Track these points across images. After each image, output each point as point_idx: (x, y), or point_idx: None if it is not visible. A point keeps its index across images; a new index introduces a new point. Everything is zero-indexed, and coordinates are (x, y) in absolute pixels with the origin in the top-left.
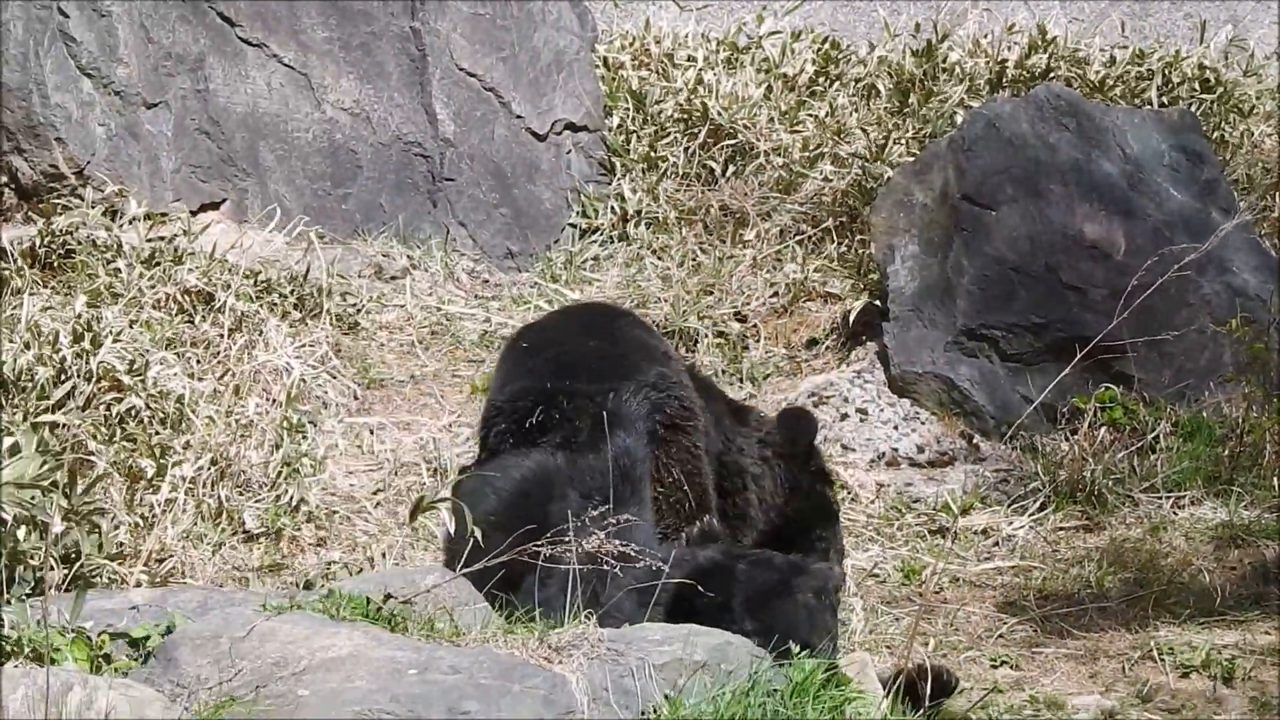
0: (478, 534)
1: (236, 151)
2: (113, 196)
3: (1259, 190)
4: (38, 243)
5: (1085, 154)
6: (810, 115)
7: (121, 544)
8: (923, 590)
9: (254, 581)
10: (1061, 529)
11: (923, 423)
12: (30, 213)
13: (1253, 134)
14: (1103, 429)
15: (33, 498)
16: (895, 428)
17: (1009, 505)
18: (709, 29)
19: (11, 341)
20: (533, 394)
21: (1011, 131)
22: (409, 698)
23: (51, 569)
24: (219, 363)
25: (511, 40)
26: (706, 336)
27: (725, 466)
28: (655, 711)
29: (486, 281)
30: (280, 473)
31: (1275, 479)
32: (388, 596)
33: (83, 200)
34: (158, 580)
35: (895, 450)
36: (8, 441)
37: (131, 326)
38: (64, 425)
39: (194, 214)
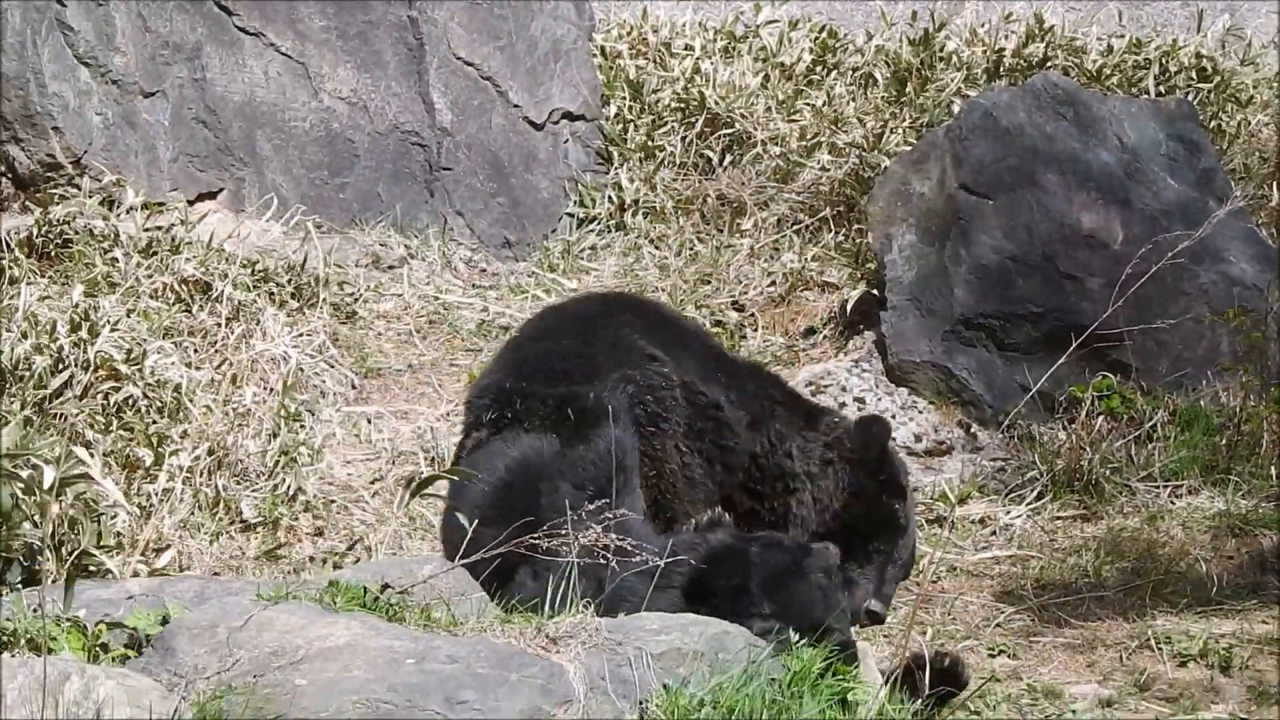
0: (464, 522)
1: (234, 141)
2: (110, 186)
3: (1256, 179)
4: (35, 232)
5: (1082, 143)
6: (807, 104)
7: (119, 533)
8: (920, 579)
9: (251, 571)
10: (1059, 518)
11: (920, 412)
12: (27, 202)
13: (1249, 123)
14: (1100, 418)
15: (16, 464)
16: (893, 417)
17: (1006, 494)
18: (706, 18)
19: (9, 331)
20: (491, 392)
21: (1009, 121)
22: (406, 687)
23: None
24: (216, 352)
25: (509, 29)
26: (704, 326)
27: (761, 469)
28: (653, 701)
29: (484, 271)
30: (278, 462)
31: (1272, 468)
32: (385, 586)
33: (80, 190)
34: (155, 570)
35: (892, 439)
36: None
37: (129, 316)
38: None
39: (191, 203)
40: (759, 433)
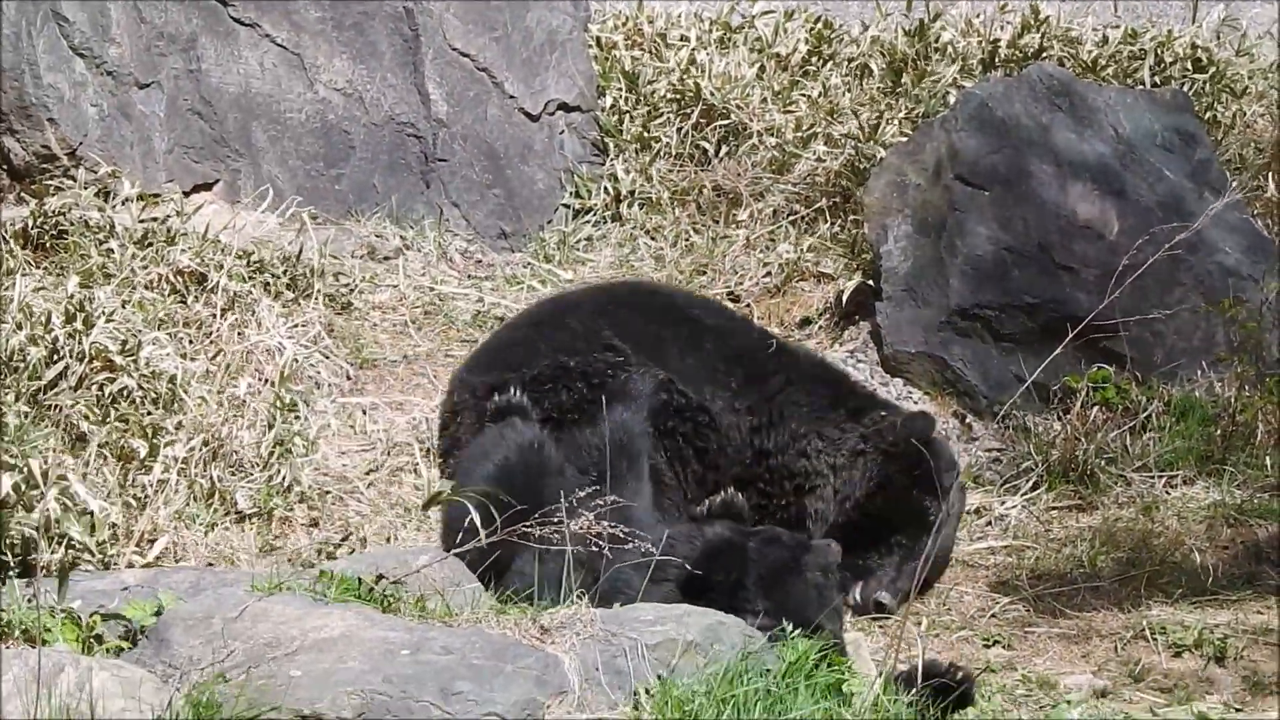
0: (475, 516)
1: (229, 132)
2: (105, 177)
3: (1251, 170)
4: (30, 224)
5: (1078, 134)
6: (803, 95)
7: (114, 525)
8: (916, 570)
9: (246, 562)
10: (1054, 509)
11: (915, 402)
12: (22, 194)
13: (1245, 114)
14: (1095, 408)
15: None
16: None
17: (1002, 485)
18: (701, 9)
19: (4, 322)
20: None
21: (1004, 112)
22: (401, 678)
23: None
24: (211, 343)
25: (504, 20)
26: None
27: (771, 470)
28: (647, 691)
29: (480, 262)
30: (272, 453)
31: (1268, 458)
32: (379, 577)
33: (75, 181)
34: (149, 561)
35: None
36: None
37: (124, 307)
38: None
39: (187, 194)
40: (765, 436)
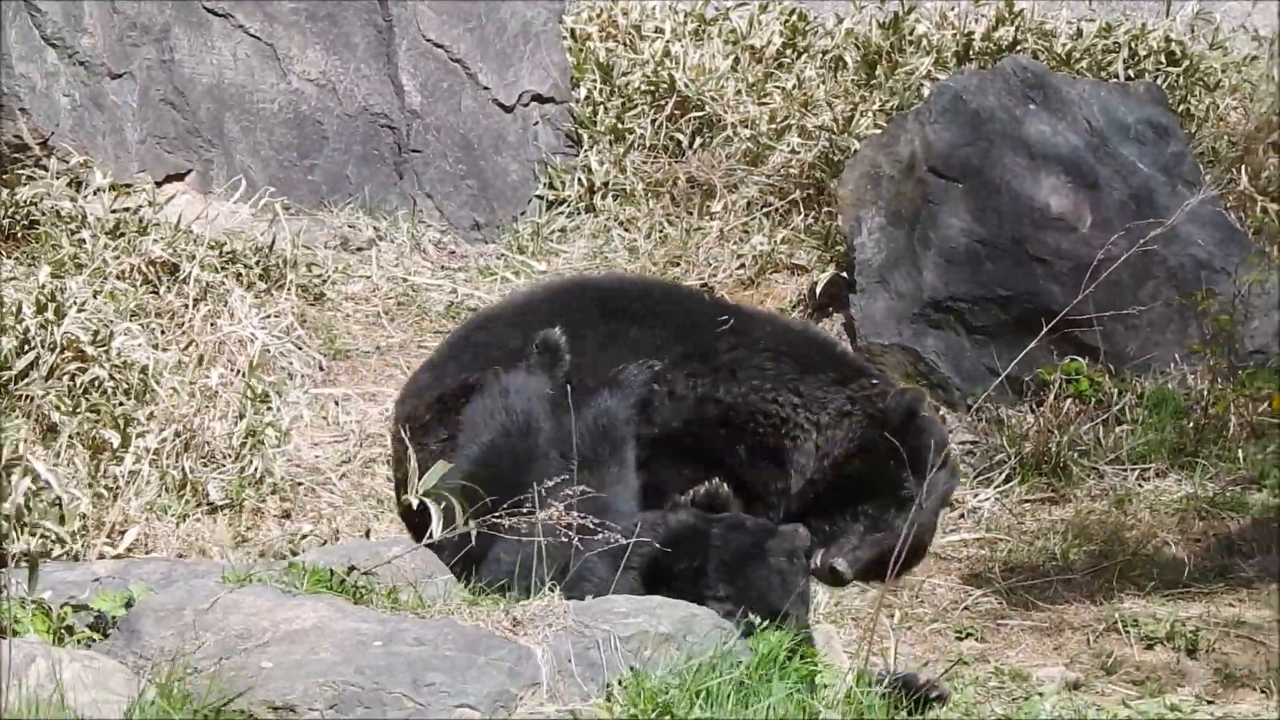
0: (456, 509)
1: (202, 122)
2: (77, 167)
3: (1224, 163)
4: (1, 214)
5: (1051, 126)
6: (777, 87)
7: (84, 515)
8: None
9: (217, 553)
10: (1027, 501)
11: None
12: None
13: (1218, 107)
14: (1068, 401)
15: None
16: None
17: (975, 477)
18: (676, 1)
19: None
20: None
21: (978, 104)
22: (373, 669)
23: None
24: (183, 333)
25: (479, 12)
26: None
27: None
28: (620, 683)
29: (453, 253)
30: (244, 444)
31: (1240, 451)
32: (351, 569)
33: (47, 171)
34: (120, 552)
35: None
36: None
37: (96, 297)
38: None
39: (159, 185)
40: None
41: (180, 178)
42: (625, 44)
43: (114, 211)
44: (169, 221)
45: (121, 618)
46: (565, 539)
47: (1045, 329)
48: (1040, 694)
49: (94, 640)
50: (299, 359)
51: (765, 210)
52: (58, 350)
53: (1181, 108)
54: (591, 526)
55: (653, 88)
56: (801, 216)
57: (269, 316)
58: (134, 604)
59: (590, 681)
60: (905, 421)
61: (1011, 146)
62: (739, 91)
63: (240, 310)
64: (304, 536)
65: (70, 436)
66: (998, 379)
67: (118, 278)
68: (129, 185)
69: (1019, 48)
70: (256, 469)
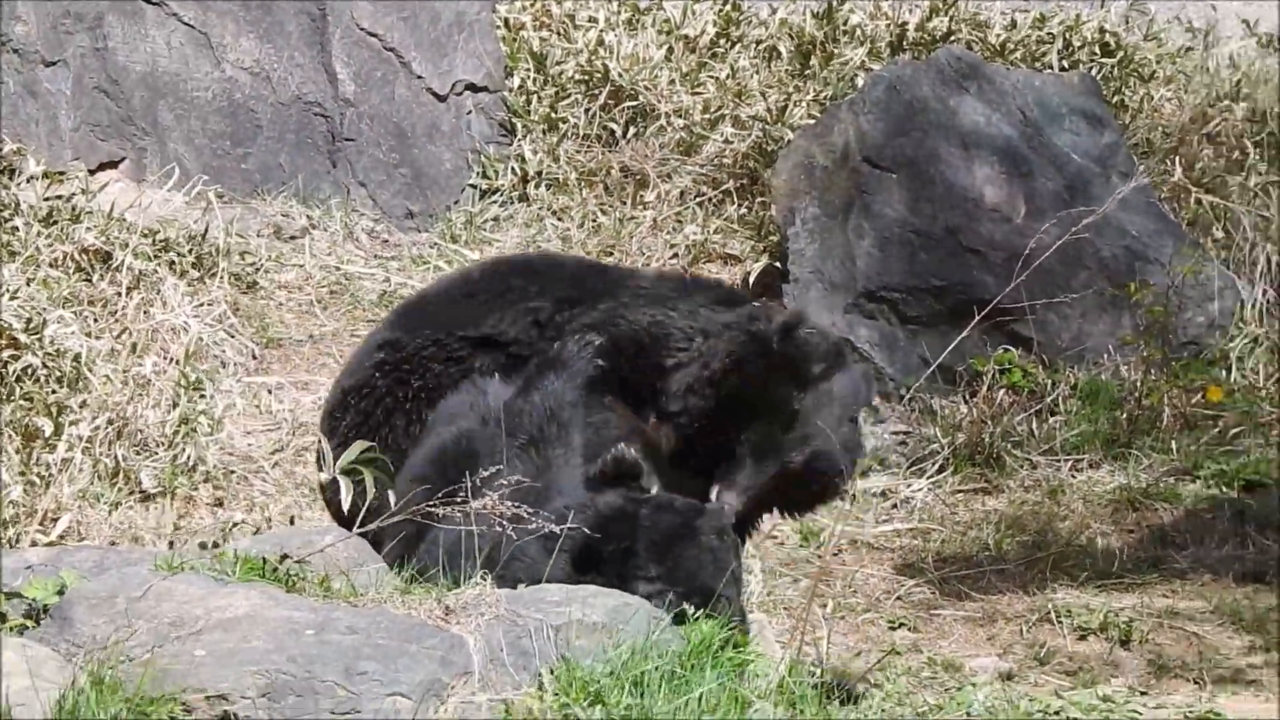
0: (391, 495)
1: (135, 110)
2: (10, 155)
3: (1158, 154)
4: None
5: (986, 117)
6: (711, 77)
7: (16, 503)
8: (821, 552)
9: (150, 541)
10: (960, 492)
11: None
12: None
13: (1152, 98)
14: (1001, 392)
15: None
16: None
17: (908, 468)
18: None
19: None
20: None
21: (912, 94)
22: (306, 658)
23: None
24: (116, 321)
25: (412, 1)
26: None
27: (616, 332)
28: (552, 672)
29: (386, 241)
30: (177, 432)
31: (1173, 442)
32: (284, 557)
33: None
34: (53, 540)
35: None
36: None
37: (29, 285)
38: None
39: (92, 173)
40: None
41: (114, 166)
42: (559, 33)
43: (47, 199)
44: (102, 209)
45: (54, 605)
46: (499, 525)
47: (978, 319)
48: (973, 684)
49: (26, 628)
50: (232, 347)
51: (699, 200)
52: None
53: (1116, 99)
54: (524, 515)
55: (586, 77)
56: (735, 206)
57: (202, 305)
58: (66, 592)
59: (522, 670)
60: (783, 337)
61: (945, 137)
62: (673, 81)
63: (173, 299)
64: (235, 525)
65: (2, 424)
66: (930, 369)
67: (51, 266)
68: (62, 173)
69: (953, 38)
70: (189, 457)
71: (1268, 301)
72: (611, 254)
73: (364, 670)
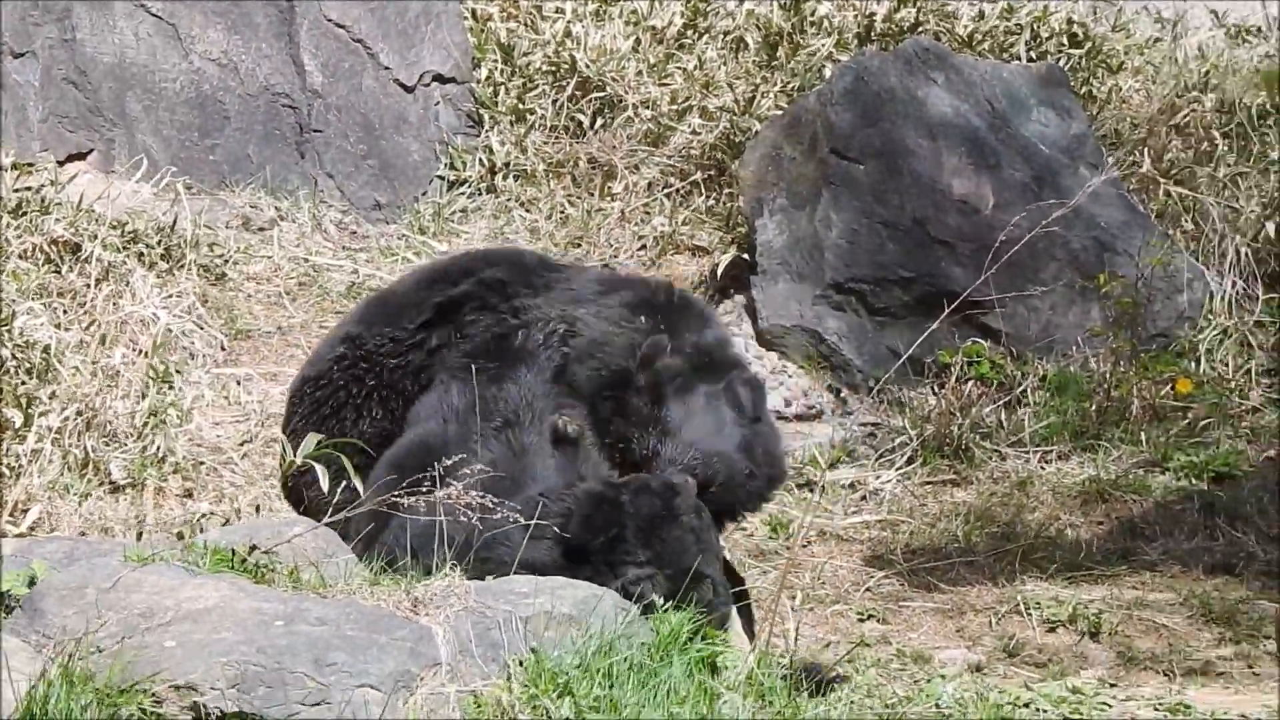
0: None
1: (104, 101)
2: None
3: (1127, 145)
4: None
5: (953, 108)
6: (679, 68)
7: None
8: (790, 544)
9: (120, 532)
10: (929, 483)
11: (790, 376)
12: None
13: (1121, 89)
14: (970, 383)
15: None
16: (763, 382)
17: (876, 459)
18: None
19: None
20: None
21: (880, 85)
22: (275, 649)
23: None
24: (86, 313)
25: None
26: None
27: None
28: (520, 663)
29: (354, 233)
30: (146, 423)
31: (1142, 434)
32: (253, 548)
33: None
34: (23, 531)
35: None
36: None
37: None
38: None
39: (61, 164)
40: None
41: (82, 157)
42: (526, 24)
43: (16, 190)
44: (71, 201)
45: (24, 596)
46: (468, 514)
47: (947, 311)
48: (942, 676)
49: None
50: (201, 339)
51: (666, 191)
52: None
53: (1084, 90)
54: (491, 505)
55: (554, 68)
56: (703, 198)
57: (171, 296)
58: (37, 583)
59: (491, 662)
60: (644, 362)
61: (913, 128)
62: (640, 72)
63: (142, 290)
64: (204, 516)
65: None
66: (899, 361)
67: (20, 257)
68: (31, 164)
69: (921, 29)
70: (158, 448)
71: (1237, 293)
72: (580, 245)
73: (333, 661)
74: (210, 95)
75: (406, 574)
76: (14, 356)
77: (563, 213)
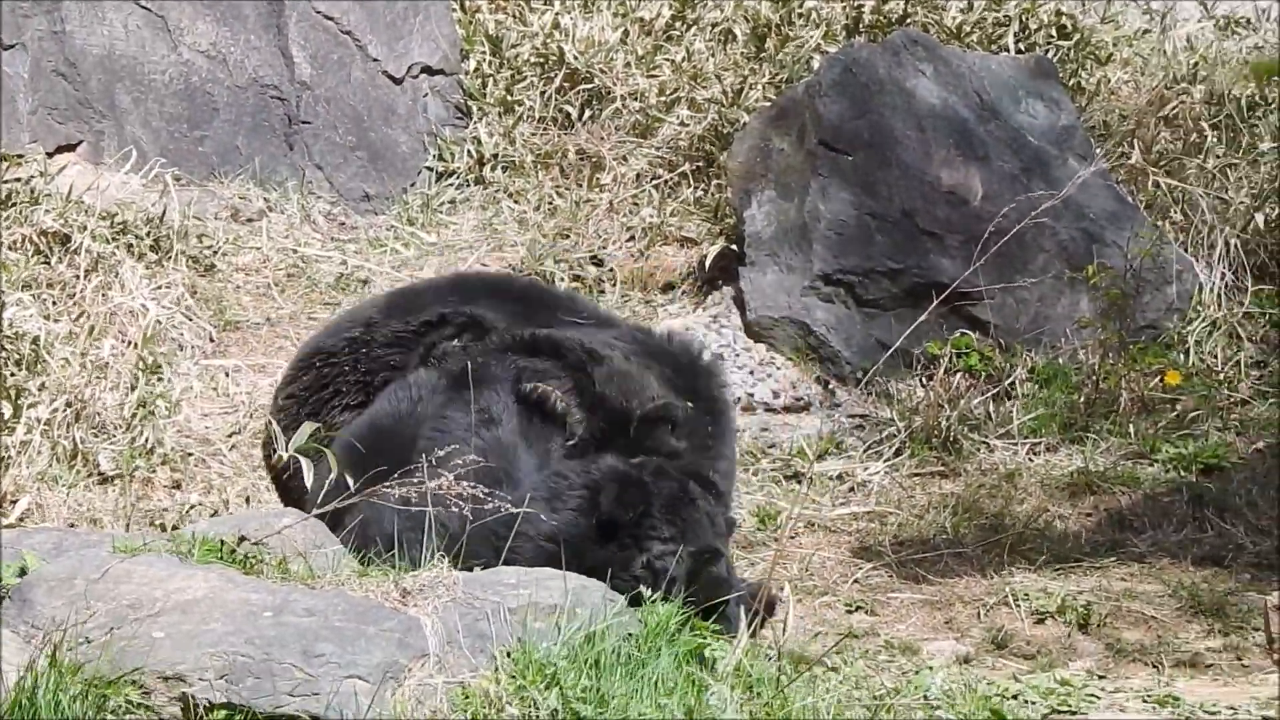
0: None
1: (93, 93)
2: None
3: (1116, 137)
4: None
5: (942, 100)
6: (667, 60)
7: None
8: (778, 535)
9: (109, 523)
10: (917, 475)
11: (779, 368)
12: None
13: (1109, 80)
14: (958, 375)
15: None
16: (751, 373)
17: (865, 451)
18: None
19: None
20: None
21: (868, 76)
22: (264, 640)
23: None
24: (75, 304)
25: None
26: (563, 280)
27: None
28: (508, 654)
29: (343, 224)
30: (135, 414)
31: (1131, 426)
32: (242, 539)
33: None
34: (12, 522)
35: (751, 395)
36: None
37: None
38: None
39: (50, 155)
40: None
41: (71, 148)
42: (514, 16)
43: (5, 182)
44: (60, 192)
45: (14, 587)
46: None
47: (935, 302)
48: (930, 667)
49: None
50: (189, 330)
51: (655, 182)
52: None
53: (1073, 81)
54: (482, 497)
55: (542, 60)
56: (691, 189)
57: (160, 288)
58: (26, 573)
59: (479, 653)
60: (641, 424)
61: (902, 119)
62: (628, 64)
63: (131, 281)
64: (193, 507)
65: None
66: (888, 352)
67: (9, 248)
68: (20, 156)
69: (909, 21)
70: (147, 439)
71: (1226, 284)
72: (568, 236)
73: (321, 652)
74: (199, 87)
75: (394, 566)
76: (3, 348)
77: (551, 204)
